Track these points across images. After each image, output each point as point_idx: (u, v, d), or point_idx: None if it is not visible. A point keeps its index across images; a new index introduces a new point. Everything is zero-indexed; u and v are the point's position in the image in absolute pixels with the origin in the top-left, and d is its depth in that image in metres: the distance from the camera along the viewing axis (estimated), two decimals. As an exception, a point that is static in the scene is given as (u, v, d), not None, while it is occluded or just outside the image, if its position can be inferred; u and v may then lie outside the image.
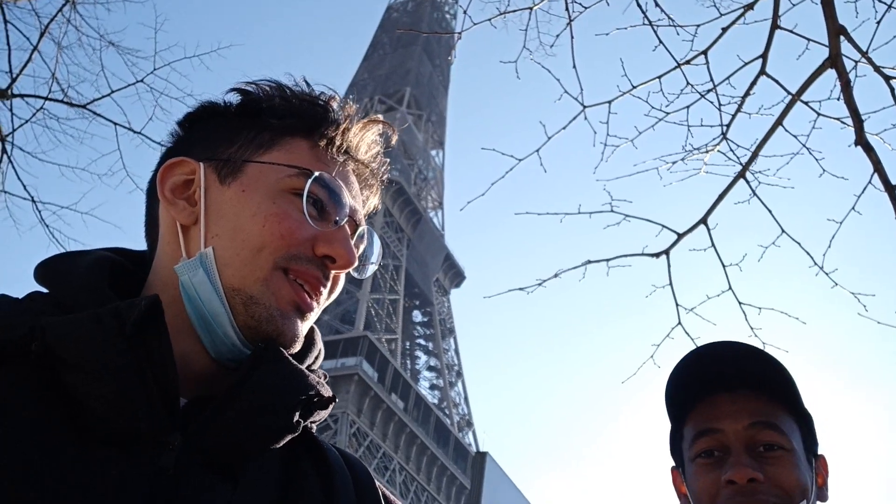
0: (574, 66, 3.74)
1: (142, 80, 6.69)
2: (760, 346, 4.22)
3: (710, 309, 4.19)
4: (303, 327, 0.89)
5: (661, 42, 3.51)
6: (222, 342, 0.84)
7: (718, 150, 4.05)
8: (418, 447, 75.74)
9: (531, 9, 3.72)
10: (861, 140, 3.55)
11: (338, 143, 0.94)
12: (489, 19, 3.68)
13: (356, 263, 0.91)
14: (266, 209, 0.86)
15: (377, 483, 1.00)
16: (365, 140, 0.98)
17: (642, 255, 4.21)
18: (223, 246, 0.86)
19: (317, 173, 0.89)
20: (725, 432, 1.18)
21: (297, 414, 0.84)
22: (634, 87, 3.68)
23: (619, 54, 3.78)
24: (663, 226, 4.10)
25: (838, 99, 3.44)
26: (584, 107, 3.82)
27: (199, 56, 7.04)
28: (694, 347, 1.34)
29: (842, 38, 3.32)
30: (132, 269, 0.94)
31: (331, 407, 0.90)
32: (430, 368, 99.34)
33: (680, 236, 4.13)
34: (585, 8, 3.50)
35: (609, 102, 3.80)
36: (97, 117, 6.62)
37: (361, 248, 0.98)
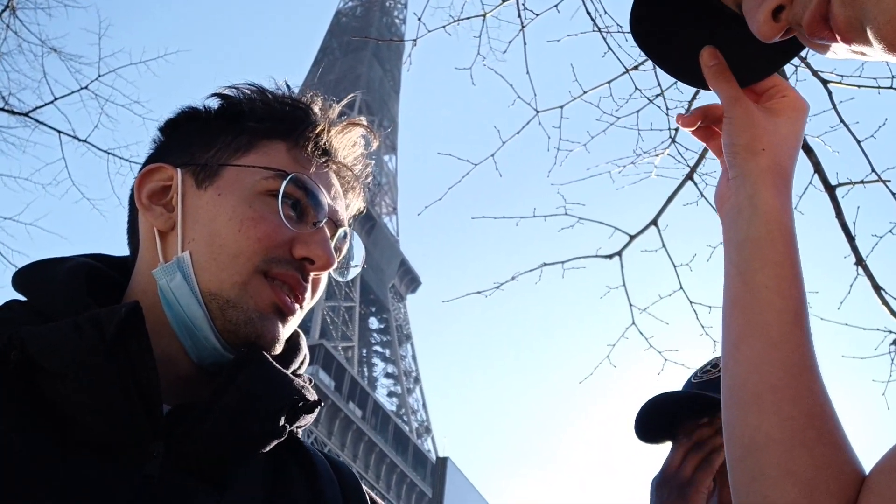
0: (527, 72, 3.81)
1: (86, 87, 6.47)
2: (711, 344, 4.32)
3: (663, 308, 4.31)
4: (284, 330, 0.87)
5: (609, 48, 3.59)
6: (203, 346, 0.84)
7: (668, 154, 4.15)
8: (377, 455, 75.31)
9: (484, 16, 3.75)
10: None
11: (317, 145, 0.94)
12: (443, 26, 3.71)
13: (335, 264, 0.90)
14: (242, 213, 0.85)
15: (364, 487, 1.00)
16: (345, 142, 0.98)
17: (596, 256, 4.29)
18: (200, 250, 0.85)
19: (292, 174, 0.88)
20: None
21: (283, 418, 0.83)
22: (585, 92, 3.75)
23: (570, 60, 3.85)
24: (616, 228, 4.19)
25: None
26: (538, 112, 3.88)
27: (145, 62, 6.85)
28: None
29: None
30: (112, 275, 0.92)
31: (317, 411, 0.90)
32: (388, 375, 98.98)
33: (632, 238, 4.22)
34: (537, 15, 3.55)
35: (561, 107, 3.87)
36: (40, 125, 6.38)
37: (344, 250, 0.97)
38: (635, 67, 3.67)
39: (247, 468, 0.83)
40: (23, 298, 0.85)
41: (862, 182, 3.57)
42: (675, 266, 4.21)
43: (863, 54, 0.56)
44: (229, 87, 0.95)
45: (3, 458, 0.67)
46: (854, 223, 3.67)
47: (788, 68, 3.55)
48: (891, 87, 3.42)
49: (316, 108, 0.96)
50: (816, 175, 3.71)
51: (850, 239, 3.74)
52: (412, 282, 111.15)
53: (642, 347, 4.34)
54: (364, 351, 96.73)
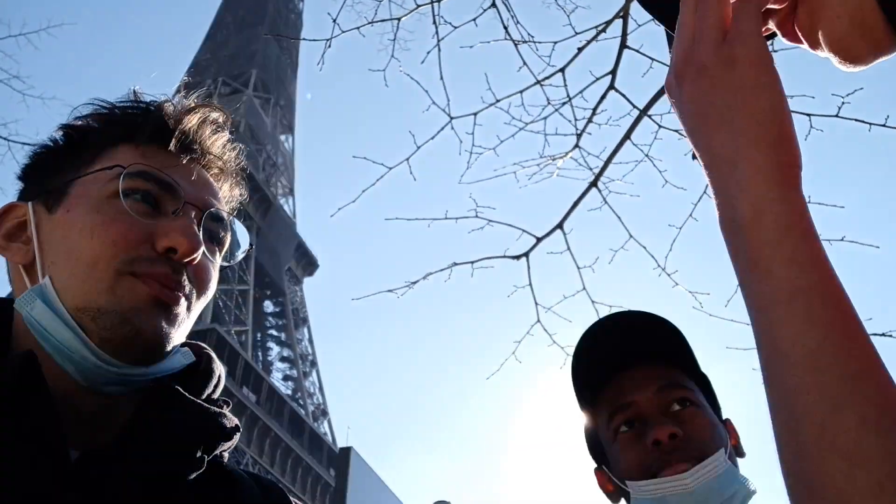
0: (441, 79, 3.85)
1: (-42, 59, 5.95)
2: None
3: (567, 308, 4.47)
4: (170, 325, 0.83)
5: (525, 63, 3.68)
6: (83, 367, 0.80)
7: (571, 157, 4.31)
8: (272, 440, 74.01)
9: (399, 19, 3.76)
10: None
11: (165, 138, 0.91)
12: (358, 27, 3.68)
13: (201, 248, 0.86)
14: (92, 220, 0.83)
15: (294, 501, 0.99)
16: (197, 128, 0.95)
17: (504, 257, 4.40)
18: (59, 272, 0.82)
19: (128, 166, 0.86)
20: (637, 402, 1.24)
21: (200, 450, 0.82)
22: (498, 101, 3.83)
23: (482, 66, 3.92)
24: (523, 230, 4.32)
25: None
26: (451, 118, 3.94)
27: (25, 34, 6.32)
28: (596, 321, 1.35)
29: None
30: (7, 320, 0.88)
31: (237, 437, 0.89)
32: (284, 359, 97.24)
33: (539, 240, 4.36)
34: (455, 27, 3.59)
35: (475, 115, 3.93)
36: None
37: (227, 237, 0.95)
38: (546, 79, 3.78)
39: (166, 501, 0.81)
40: None
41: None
42: (578, 268, 4.39)
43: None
44: (77, 117, 0.94)
45: None
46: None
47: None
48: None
49: (167, 105, 0.94)
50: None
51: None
52: (309, 265, 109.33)
53: (546, 344, 4.50)
54: (259, 335, 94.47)
